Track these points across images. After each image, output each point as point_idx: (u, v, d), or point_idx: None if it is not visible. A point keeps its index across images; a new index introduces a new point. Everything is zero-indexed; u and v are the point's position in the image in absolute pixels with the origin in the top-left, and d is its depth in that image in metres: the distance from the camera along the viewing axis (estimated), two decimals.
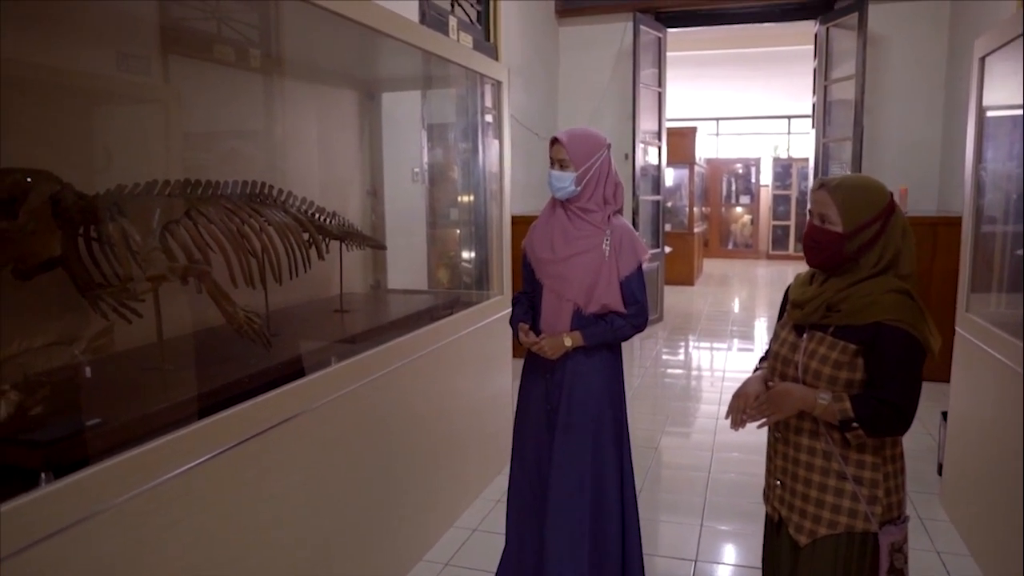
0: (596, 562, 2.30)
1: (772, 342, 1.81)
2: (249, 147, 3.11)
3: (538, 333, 2.30)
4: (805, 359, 1.65)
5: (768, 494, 1.81)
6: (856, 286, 1.60)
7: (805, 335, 1.68)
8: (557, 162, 2.23)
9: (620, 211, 2.33)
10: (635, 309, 2.25)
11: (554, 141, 2.24)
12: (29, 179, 1.64)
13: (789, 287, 1.83)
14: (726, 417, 1.79)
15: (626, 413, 2.41)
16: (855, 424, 1.56)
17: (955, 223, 4.39)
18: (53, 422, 1.53)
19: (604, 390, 2.31)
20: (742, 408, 1.74)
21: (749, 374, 1.87)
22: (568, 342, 2.22)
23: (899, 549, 1.63)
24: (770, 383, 1.74)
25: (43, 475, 1.42)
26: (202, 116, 2.83)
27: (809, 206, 1.70)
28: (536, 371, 2.36)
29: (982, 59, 3.15)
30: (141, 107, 2.60)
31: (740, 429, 1.75)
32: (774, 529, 1.80)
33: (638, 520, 2.40)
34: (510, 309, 2.45)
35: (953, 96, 6.27)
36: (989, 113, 3.34)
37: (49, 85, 2.09)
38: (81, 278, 1.94)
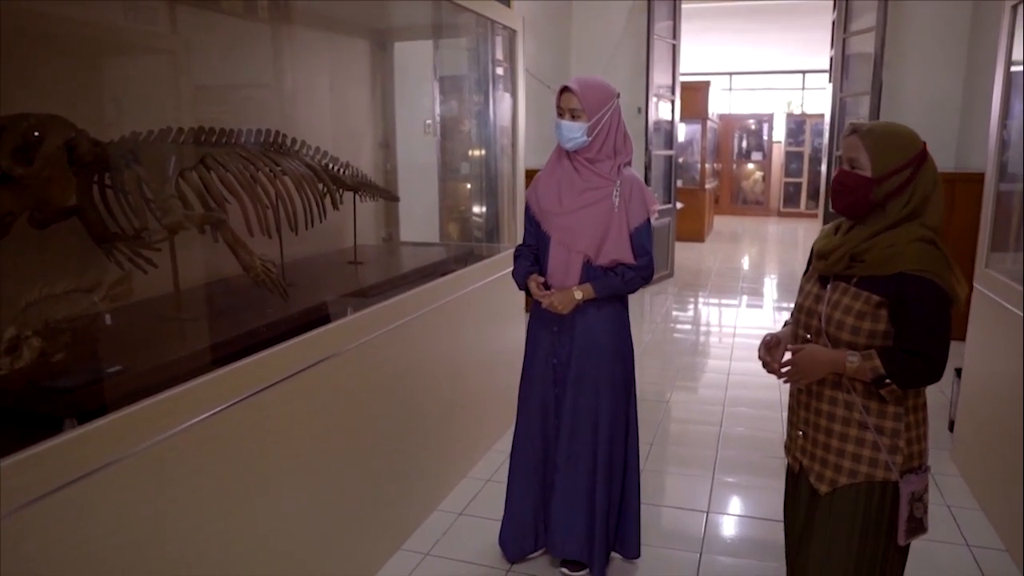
0: (601, 513, 2.34)
1: (798, 295, 1.78)
2: (259, 97, 3.07)
3: (547, 287, 2.27)
4: (828, 309, 1.63)
5: (789, 445, 1.81)
6: (880, 236, 1.57)
7: (829, 286, 1.65)
8: (567, 111, 2.16)
9: (629, 163, 2.28)
10: (645, 260, 2.24)
11: (564, 89, 2.16)
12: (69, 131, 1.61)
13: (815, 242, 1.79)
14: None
15: (634, 365, 2.41)
16: (887, 380, 1.54)
17: (974, 179, 4.31)
18: (75, 369, 1.53)
19: (613, 342, 2.31)
20: (768, 356, 1.73)
21: (759, 330, 1.86)
22: (579, 295, 2.20)
23: (919, 498, 1.62)
24: (796, 341, 1.71)
25: (66, 421, 1.43)
26: (211, 66, 2.78)
27: (839, 151, 1.64)
28: (543, 324, 2.35)
29: (1015, 7, 3.05)
30: (149, 57, 2.55)
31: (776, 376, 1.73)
32: (794, 479, 1.80)
33: (638, 473, 2.45)
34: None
35: (976, 50, 6.12)
36: (1015, 68, 3.25)
37: (54, 34, 2.05)
38: (96, 227, 1.93)
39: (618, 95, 2.22)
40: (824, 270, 1.66)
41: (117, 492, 1.47)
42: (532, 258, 2.33)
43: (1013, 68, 3.21)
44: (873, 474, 1.61)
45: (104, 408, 1.46)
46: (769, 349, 1.74)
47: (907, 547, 1.67)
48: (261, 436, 1.90)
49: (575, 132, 2.15)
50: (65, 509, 1.37)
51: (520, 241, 2.44)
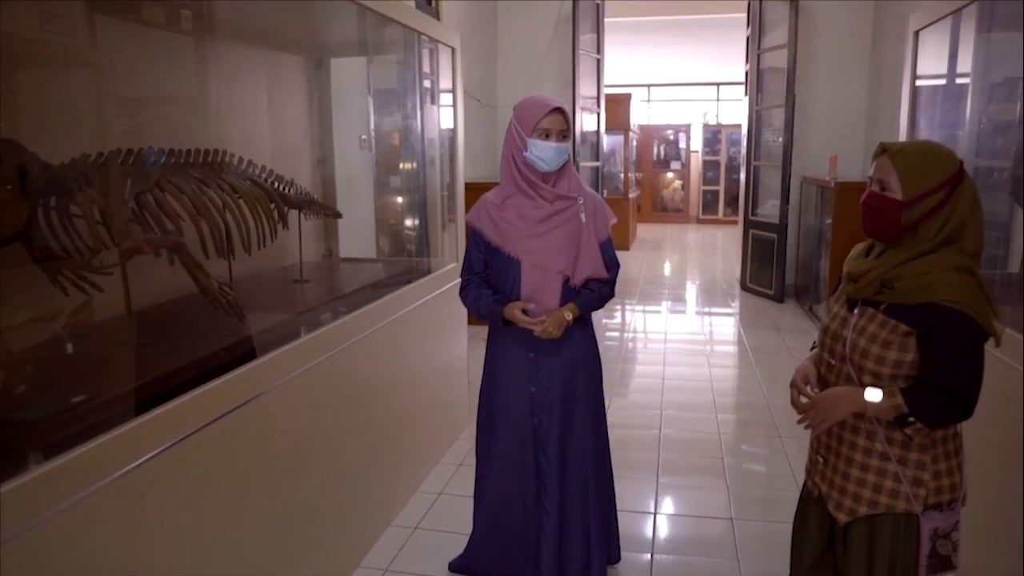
0: (596, 539, 2.30)
1: (826, 316, 1.71)
2: (193, 114, 3.00)
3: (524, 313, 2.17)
4: (854, 336, 1.56)
5: (810, 468, 1.74)
6: (913, 262, 1.48)
7: (856, 310, 1.58)
8: (557, 133, 2.07)
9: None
10: (615, 272, 2.24)
11: (557, 111, 2.08)
12: None
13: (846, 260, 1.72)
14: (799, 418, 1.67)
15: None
16: (911, 419, 1.48)
17: None
18: (37, 400, 1.49)
19: (594, 362, 2.30)
20: (799, 400, 1.66)
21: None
22: (569, 316, 2.12)
23: (945, 535, 1.54)
24: (821, 366, 1.67)
25: (32, 456, 1.39)
26: (137, 81, 2.70)
27: (870, 172, 1.56)
28: (517, 351, 2.22)
29: (916, 33, 3.30)
30: (68, 71, 2.47)
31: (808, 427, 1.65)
32: (813, 504, 1.74)
33: (613, 483, 2.45)
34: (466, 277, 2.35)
35: (878, 65, 6.53)
36: (918, 82, 3.52)
37: None
38: (40, 250, 1.87)
39: None
40: (853, 293, 1.59)
41: (86, 529, 1.44)
42: (486, 286, 2.23)
43: (917, 83, 3.47)
44: (894, 505, 1.55)
45: (68, 441, 1.43)
46: (801, 392, 1.67)
47: None
48: (219, 465, 1.88)
49: (564, 154, 2.10)
50: (35, 548, 1.33)
51: (461, 260, 2.34)
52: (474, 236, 2.23)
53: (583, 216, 2.16)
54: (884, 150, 1.54)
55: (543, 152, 2.07)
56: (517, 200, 2.15)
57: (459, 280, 2.31)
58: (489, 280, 2.24)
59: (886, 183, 1.51)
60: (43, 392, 1.56)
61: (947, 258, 1.47)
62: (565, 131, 2.09)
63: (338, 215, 3.32)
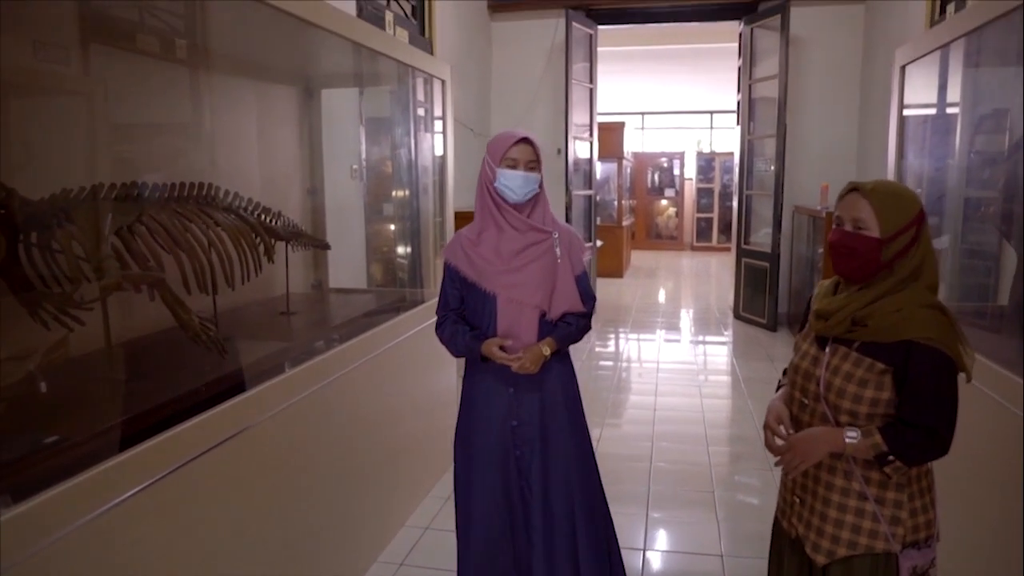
0: (587, 569, 2.25)
1: (794, 354, 1.70)
2: (184, 145, 3.00)
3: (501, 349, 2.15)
4: (828, 375, 1.55)
5: (785, 510, 1.72)
6: (884, 299, 1.49)
7: (828, 348, 1.58)
8: (524, 163, 2.08)
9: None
10: (592, 304, 2.23)
11: (524, 141, 2.09)
12: None
13: (811, 297, 1.71)
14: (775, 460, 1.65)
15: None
16: (891, 457, 1.48)
17: None
18: (9, 442, 1.47)
19: (574, 391, 2.28)
20: (773, 442, 1.64)
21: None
22: (547, 351, 2.11)
23: (923, 573, 1.54)
24: (793, 405, 1.66)
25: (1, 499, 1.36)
26: (130, 111, 2.71)
27: (836, 211, 1.57)
28: (496, 386, 2.19)
29: (903, 67, 3.33)
30: (61, 100, 2.47)
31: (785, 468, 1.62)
32: (789, 545, 1.71)
33: (610, 515, 2.40)
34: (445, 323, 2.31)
35: (868, 97, 6.58)
36: (906, 112, 3.56)
37: None
38: (21, 285, 1.86)
39: None
40: (823, 331, 1.58)
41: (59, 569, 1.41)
42: (462, 322, 2.22)
43: (907, 113, 3.51)
44: (873, 545, 1.54)
45: (43, 482, 1.41)
46: (775, 434, 1.64)
47: None
48: (199, 502, 1.85)
49: (532, 184, 2.11)
50: None
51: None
52: (449, 272, 2.22)
53: (558, 251, 2.15)
54: (855, 188, 1.54)
55: (511, 181, 2.08)
56: (491, 234, 2.15)
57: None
58: (465, 316, 2.23)
59: (861, 221, 1.51)
60: (16, 433, 1.53)
61: (916, 295, 1.49)
62: (533, 162, 2.10)
63: (326, 246, 3.31)
